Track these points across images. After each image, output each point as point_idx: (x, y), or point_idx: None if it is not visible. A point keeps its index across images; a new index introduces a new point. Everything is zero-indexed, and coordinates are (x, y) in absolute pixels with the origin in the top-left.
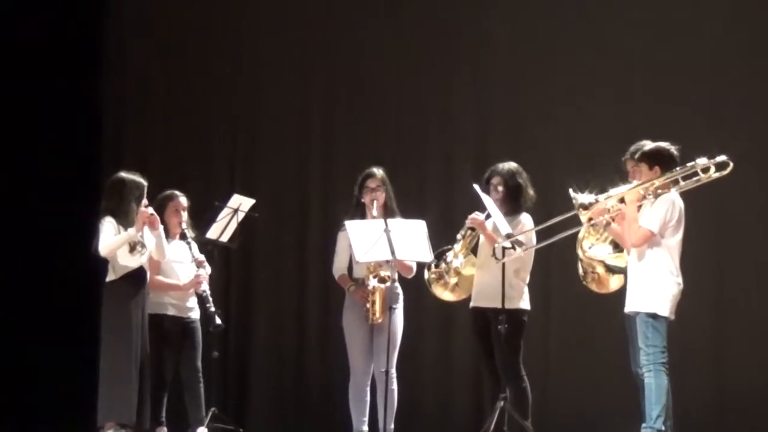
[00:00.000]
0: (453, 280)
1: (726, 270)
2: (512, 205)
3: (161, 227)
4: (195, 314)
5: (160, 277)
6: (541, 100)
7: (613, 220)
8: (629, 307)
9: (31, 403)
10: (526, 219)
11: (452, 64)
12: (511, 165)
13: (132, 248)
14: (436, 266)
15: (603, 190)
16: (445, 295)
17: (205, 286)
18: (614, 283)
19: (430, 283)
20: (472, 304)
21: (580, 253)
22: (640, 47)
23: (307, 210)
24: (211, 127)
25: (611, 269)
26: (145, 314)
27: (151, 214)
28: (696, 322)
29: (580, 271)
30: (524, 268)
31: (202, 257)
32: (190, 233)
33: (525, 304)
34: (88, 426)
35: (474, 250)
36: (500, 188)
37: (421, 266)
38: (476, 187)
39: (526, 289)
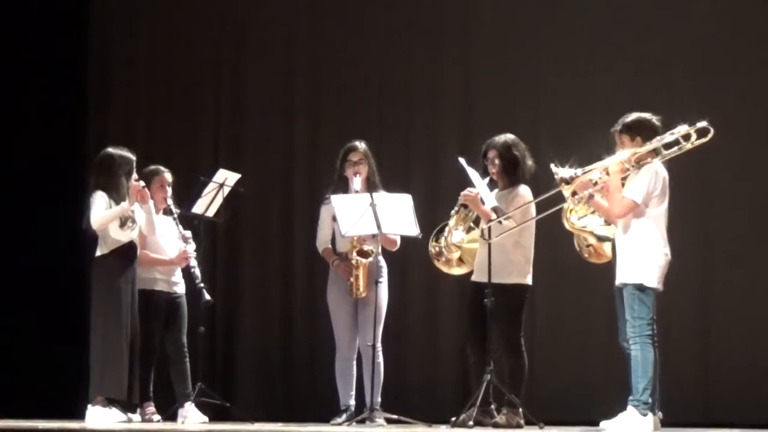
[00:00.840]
0: (455, 254)
1: (712, 240)
2: (510, 177)
3: (151, 202)
4: (181, 289)
5: (147, 252)
6: (528, 75)
7: (599, 193)
8: (618, 280)
9: (20, 379)
10: (524, 191)
11: (438, 40)
12: (507, 137)
13: (123, 223)
14: (437, 241)
15: (585, 164)
16: (454, 270)
17: (193, 262)
18: (609, 250)
19: (432, 259)
20: (472, 279)
21: (567, 225)
22: (628, 29)
23: (293, 185)
24: (195, 105)
25: (602, 238)
26: (135, 289)
27: (143, 187)
28: (682, 293)
29: (576, 245)
30: (523, 243)
31: (188, 233)
32: (175, 209)
33: (526, 279)
34: (79, 400)
35: (477, 222)
36: (497, 161)
37: (405, 241)
38: (462, 160)
39: (528, 266)
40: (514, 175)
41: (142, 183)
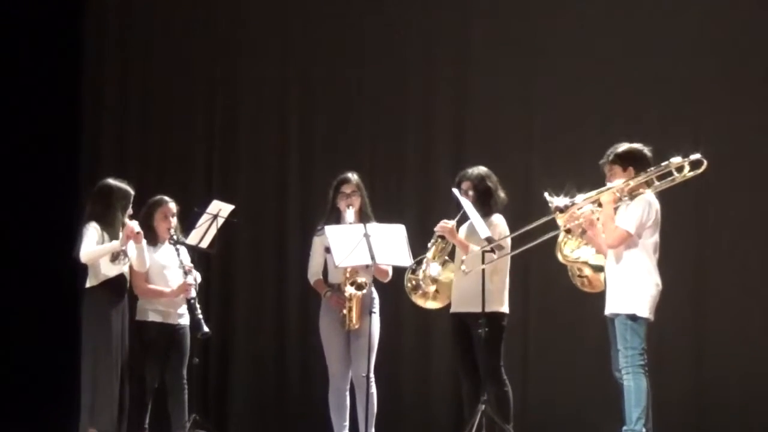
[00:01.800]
0: (431, 288)
1: (704, 269)
2: (483, 208)
3: (144, 241)
4: (184, 320)
5: (152, 286)
6: (520, 105)
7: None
8: (609, 310)
9: (10, 409)
10: (498, 220)
11: (431, 70)
12: (480, 169)
13: (114, 257)
14: (413, 273)
15: (578, 193)
16: (429, 304)
17: (193, 293)
18: (604, 280)
19: (408, 293)
20: (451, 310)
21: (560, 257)
22: (621, 48)
23: (286, 216)
24: (189, 133)
25: (596, 268)
26: (125, 321)
27: (138, 233)
28: (674, 321)
29: (570, 276)
30: (498, 271)
31: (189, 264)
32: (179, 239)
33: (504, 307)
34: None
35: (453, 256)
36: (470, 192)
37: (397, 271)
38: (456, 191)
39: (505, 293)
40: (488, 206)
41: (136, 226)
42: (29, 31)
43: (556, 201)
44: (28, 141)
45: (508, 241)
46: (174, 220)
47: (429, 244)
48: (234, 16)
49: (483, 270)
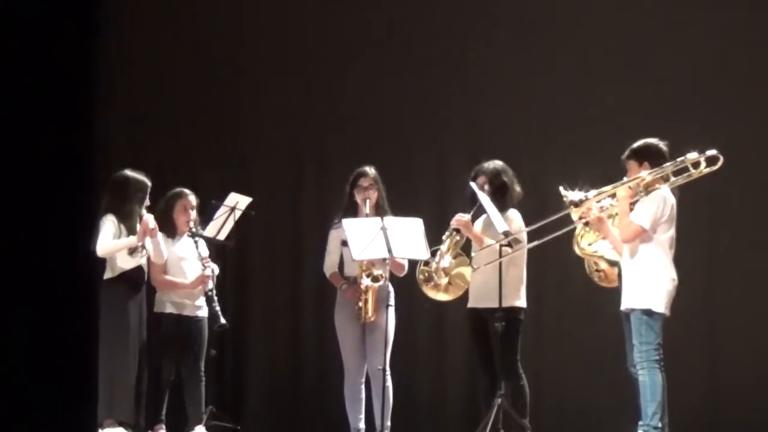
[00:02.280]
0: (444, 280)
1: (718, 264)
2: (499, 203)
3: (160, 234)
4: (203, 312)
5: (167, 277)
6: (535, 98)
7: (611, 219)
8: (624, 305)
9: (30, 401)
10: (514, 215)
11: (446, 63)
12: (496, 163)
13: (132, 250)
14: (426, 265)
15: (593, 188)
16: (439, 296)
17: (211, 285)
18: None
19: (420, 284)
20: (469, 305)
21: (577, 250)
22: (638, 45)
23: (302, 208)
24: (206, 125)
25: (612, 263)
26: (143, 313)
27: (153, 228)
28: (690, 316)
29: (587, 270)
30: (515, 266)
31: (207, 256)
32: (198, 231)
33: (521, 302)
34: (88, 423)
35: (467, 250)
36: (486, 187)
37: (412, 265)
38: (473, 185)
39: (522, 287)
40: (503, 200)
41: (152, 222)
42: (44, 25)
43: (571, 195)
44: (43, 133)
45: (524, 235)
46: (193, 213)
47: (444, 237)
48: (253, 12)
49: (500, 264)
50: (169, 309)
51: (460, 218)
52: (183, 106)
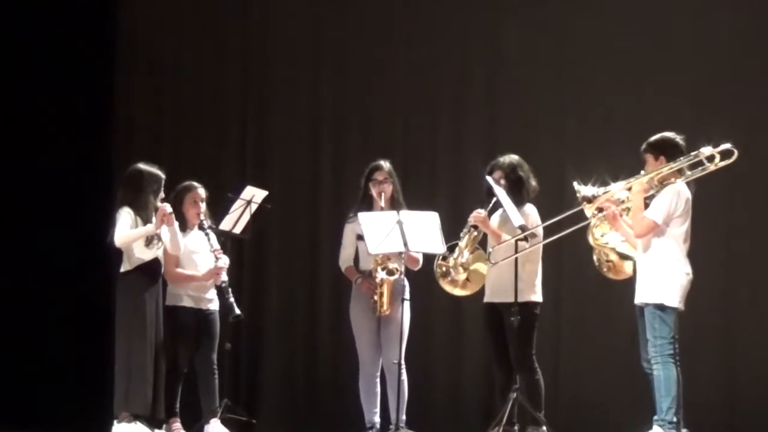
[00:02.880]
0: (462, 276)
1: (735, 258)
2: (515, 197)
3: (176, 223)
4: (214, 305)
5: (179, 269)
6: (552, 97)
7: (625, 212)
8: (638, 299)
9: (46, 393)
10: (531, 210)
11: (464, 57)
12: (512, 158)
13: (148, 241)
14: (444, 260)
15: (607, 182)
16: (456, 291)
17: (224, 277)
18: (629, 267)
19: (438, 279)
20: (485, 300)
21: (591, 240)
22: (653, 43)
23: (319, 202)
24: (222, 123)
25: (623, 256)
26: (159, 305)
27: (170, 213)
28: (705, 311)
29: (595, 260)
30: (531, 260)
31: (219, 248)
32: (208, 224)
33: (536, 296)
34: (103, 416)
35: (484, 245)
36: (502, 181)
37: (427, 259)
38: (489, 179)
39: (537, 282)
40: (520, 195)
41: (168, 208)
42: (63, 27)
43: (584, 190)
44: (62, 129)
45: (541, 230)
46: (203, 206)
47: (462, 234)
48: (267, 13)
49: (516, 259)
50: (182, 302)
51: (477, 215)
52: (200, 101)
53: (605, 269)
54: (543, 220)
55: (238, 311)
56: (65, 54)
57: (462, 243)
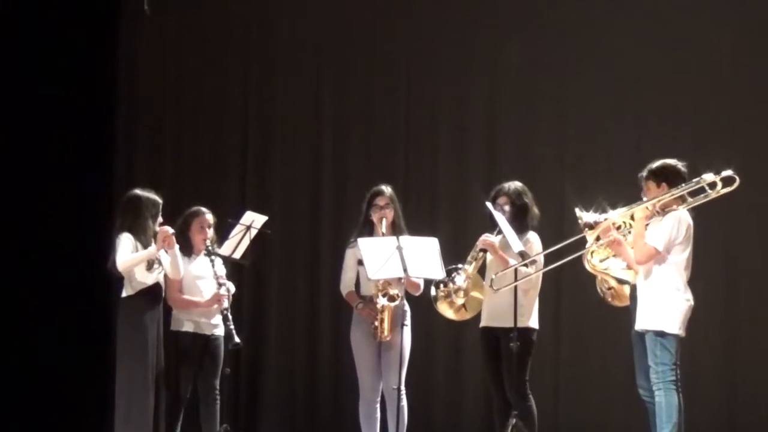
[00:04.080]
0: (460, 300)
1: (735, 285)
2: (519, 224)
3: (176, 246)
4: (219, 331)
5: (186, 296)
6: (552, 122)
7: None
8: (639, 325)
9: (46, 418)
10: (533, 237)
11: (465, 81)
12: (517, 184)
13: (149, 266)
14: (445, 285)
15: (610, 209)
16: (448, 313)
17: (226, 304)
18: (628, 291)
19: (436, 300)
20: (482, 324)
21: (588, 266)
22: (655, 65)
23: (319, 227)
24: (222, 147)
25: (620, 281)
26: (160, 330)
27: (171, 234)
28: (706, 338)
29: (599, 290)
30: (533, 287)
31: (223, 275)
32: (215, 250)
33: (534, 323)
34: None
35: (481, 271)
36: (507, 207)
37: (427, 284)
38: (489, 205)
39: (535, 309)
40: (524, 222)
41: (170, 229)
42: (64, 41)
43: (586, 217)
44: (62, 152)
45: (542, 258)
46: (210, 232)
47: (469, 258)
48: (268, 26)
49: (516, 285)
50: (186, 327)
51: (486, 239)
52: (200, 128)
53: (609, 298)
54: (543, 247)
55: (237, 339)
56: (66, 72)
57: (470, 268)
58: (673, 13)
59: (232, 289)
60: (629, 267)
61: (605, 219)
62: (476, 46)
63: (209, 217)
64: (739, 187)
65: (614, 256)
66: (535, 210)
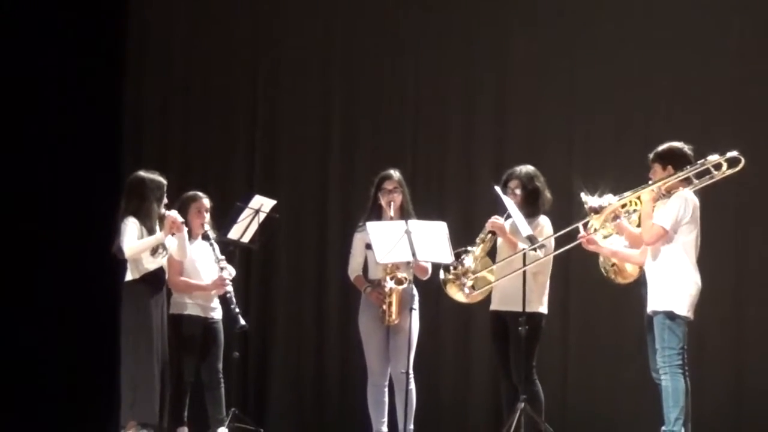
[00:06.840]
0: (469, 282)
1: (747, 269)
2: (530, 208)
3: (185, 229)
4: (217, 314)
5: (184, 278)
6: (561, 107)
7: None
8: (650, 307)
9: (52, 403)
10: (544, 221)
11: (474, 66)
12: (529, 168)
13: (154, 250)
14: (454, 268)
15: (615, 192)
16: (458, 296)
17: (229, 287)
18: (632, 269)
19: (445, 283)
20: (491, 308)
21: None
22: (662, 51)
23: (327, 211)
24: (230, 132)
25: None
26: (164, 314)
27: (181, 222)
28: (713, 322)
29: (602, 268)
30: (543, 272)
31: (224, 259)
32: (212, 234)
33: (543, 308)
34: (110, 426)
35: (491, 254)
36: (518, 191)
37: (435, 268)
38: (497, 188)
39: (545, 293)
40: (535, 206)
41: (178, 216)
42: (72, 30)
43: (591, 201)
44: (69, 139)
45: (552, 242)
46: (207, 216)
47: (478, 240)
48: (277, 15)
49: (525, 271)
50: (186, 311)
51: (495, 221)
52: (208, 110)
53: (612, 275)
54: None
55: (243, 322)
56: (73, 62)
57: (477, 250)
58: None
59: (233, 272)
60: (634, 246)
61: (609, 204)
62: (485, 30)
63: (206, 201)
64: (748, 172)
65: (617, 233)
66: (547, 194)
